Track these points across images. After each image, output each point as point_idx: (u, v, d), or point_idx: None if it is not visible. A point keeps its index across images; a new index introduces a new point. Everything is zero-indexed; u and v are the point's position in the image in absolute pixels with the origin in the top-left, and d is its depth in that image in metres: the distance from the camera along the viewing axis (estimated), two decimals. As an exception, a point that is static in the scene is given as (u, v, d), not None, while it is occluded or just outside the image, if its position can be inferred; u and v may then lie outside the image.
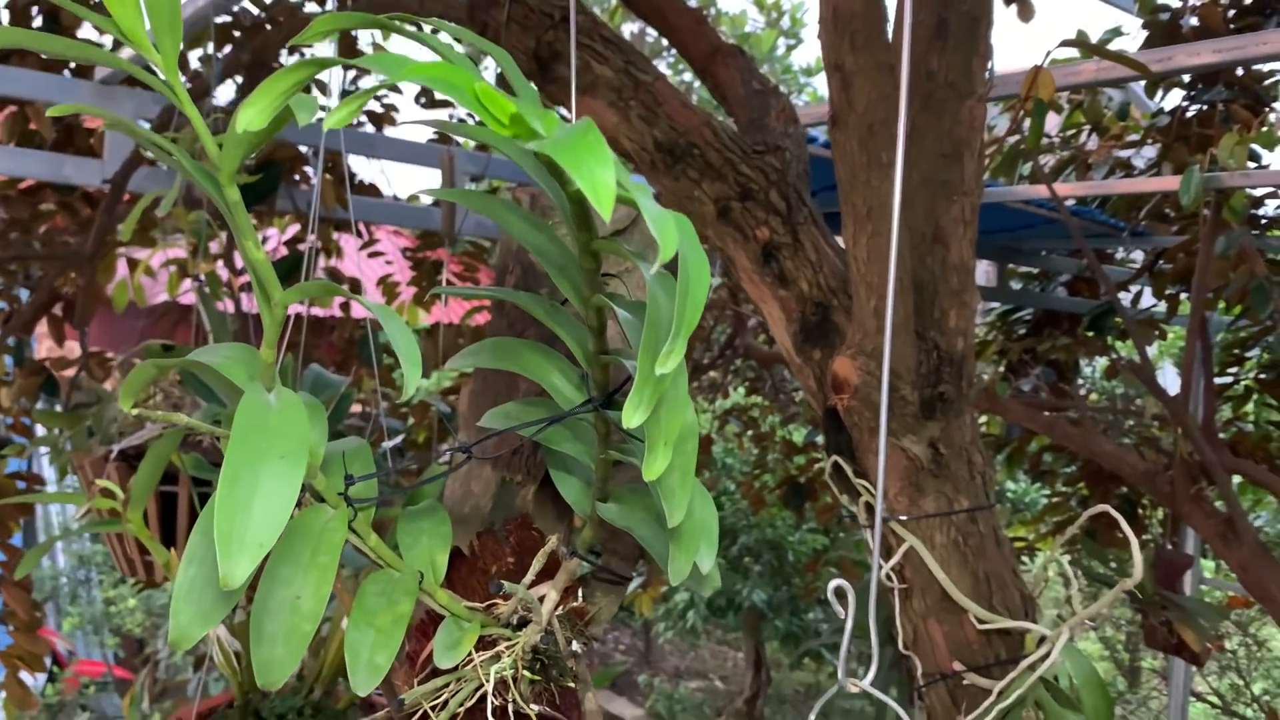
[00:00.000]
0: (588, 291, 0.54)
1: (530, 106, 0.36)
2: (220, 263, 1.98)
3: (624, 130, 1.28)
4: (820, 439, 3.74)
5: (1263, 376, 3.38)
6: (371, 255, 2.64)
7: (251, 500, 0.46)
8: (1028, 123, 1.72)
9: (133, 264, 2.35)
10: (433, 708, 0.71)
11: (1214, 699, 4.72)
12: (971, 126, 1.09)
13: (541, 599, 0.73)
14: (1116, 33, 3.17)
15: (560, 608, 0.75)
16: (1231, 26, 2.86)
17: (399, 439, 2.50)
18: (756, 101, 1.36)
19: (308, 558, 0.59)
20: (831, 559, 3.37)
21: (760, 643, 4.04)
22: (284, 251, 2.51)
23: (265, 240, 2.26)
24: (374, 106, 2.57)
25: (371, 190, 2.42)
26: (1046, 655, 1.10)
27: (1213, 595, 4.85)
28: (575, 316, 0.61)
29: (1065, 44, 1.25)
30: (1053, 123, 3.54)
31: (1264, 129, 2.86)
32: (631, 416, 0.44)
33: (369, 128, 2.51)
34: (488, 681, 0.70)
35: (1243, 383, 3.49)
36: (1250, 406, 3.54)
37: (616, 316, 0.54)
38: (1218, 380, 3.22)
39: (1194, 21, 3.00)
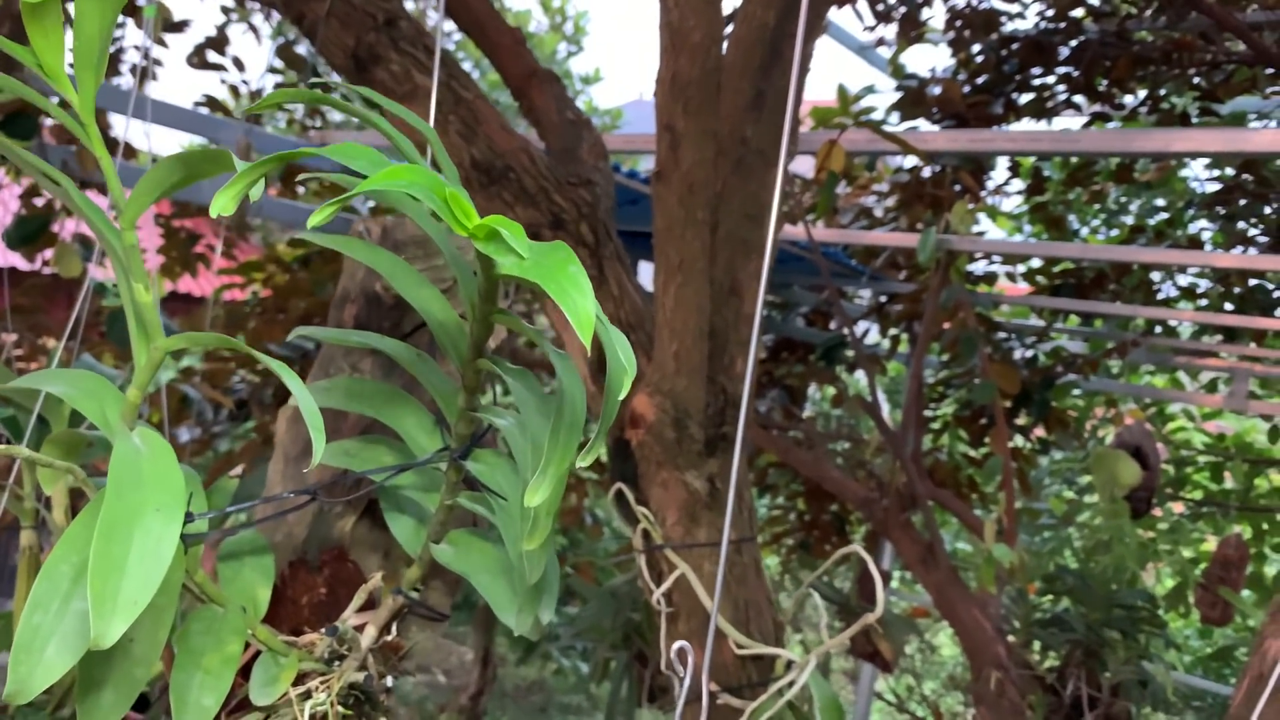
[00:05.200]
0: (472, 355, 0.55)
1: (501, 221, 0.38)
2: None
3: (441, 143, 1.28)
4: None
5: (959, 413, 3.78)
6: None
7: (126, 558, 0.45)
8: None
9: None
10: (241, 744, 0.69)
11: (890, 698, 5.23)
12: (774, 192, 1.17)
13: (360, 629, 0.73)
14: (870, 89, 3.46)
15: (375, 642, 0.75)
16: (965, 100, 3.19)
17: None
18: (569, 131, 1.40)
19: (142, 599, 0.56)
20: (571, 561, 3.46)
21: (491, 640, 4.06)
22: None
23: (-3, 190, 2.04)
24: (136, 59, 2.38)
25: (125, 151, 2.24)
26: (794, 681, 1.21)
27: (898, 605, 5.38)
28: (443, 364, 0.62)
29: (859, 125, 1.37)
30: (807, 165, 3.82)
31: (991, 201, 3.22)
32: (534, 497, 0.46)
33: (126, 80, 2.32)
34: (302, 716, 0.69)
35: (941, 417, 3.89)
36: (946, 439, 3.96)
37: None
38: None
39: (937, 91, 3.33)
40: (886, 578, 3.62)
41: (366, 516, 0.81)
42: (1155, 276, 3.72)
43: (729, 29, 1.19)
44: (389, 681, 0.75)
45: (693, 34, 0.97)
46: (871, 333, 3.88)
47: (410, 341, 0.77)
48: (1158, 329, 3.89)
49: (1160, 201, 4.23)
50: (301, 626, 0.78)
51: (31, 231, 1.71)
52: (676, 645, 0.58)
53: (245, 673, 0.71)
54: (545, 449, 0.46)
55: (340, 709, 0.72)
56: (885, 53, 3.71)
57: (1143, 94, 3.37)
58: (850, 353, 3.58)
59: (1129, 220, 4.53)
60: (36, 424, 0.94)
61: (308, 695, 0.71)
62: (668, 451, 1.19)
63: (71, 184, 0.45)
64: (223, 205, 0.37)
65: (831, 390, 4.34)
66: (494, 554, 0.68)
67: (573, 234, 1.27)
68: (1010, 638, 2.61)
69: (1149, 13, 3.11)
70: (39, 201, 2.14)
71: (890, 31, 3.43)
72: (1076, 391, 4.18)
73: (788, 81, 1.13)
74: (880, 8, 3.29)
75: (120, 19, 2.33)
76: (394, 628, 0.77)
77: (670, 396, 1.16)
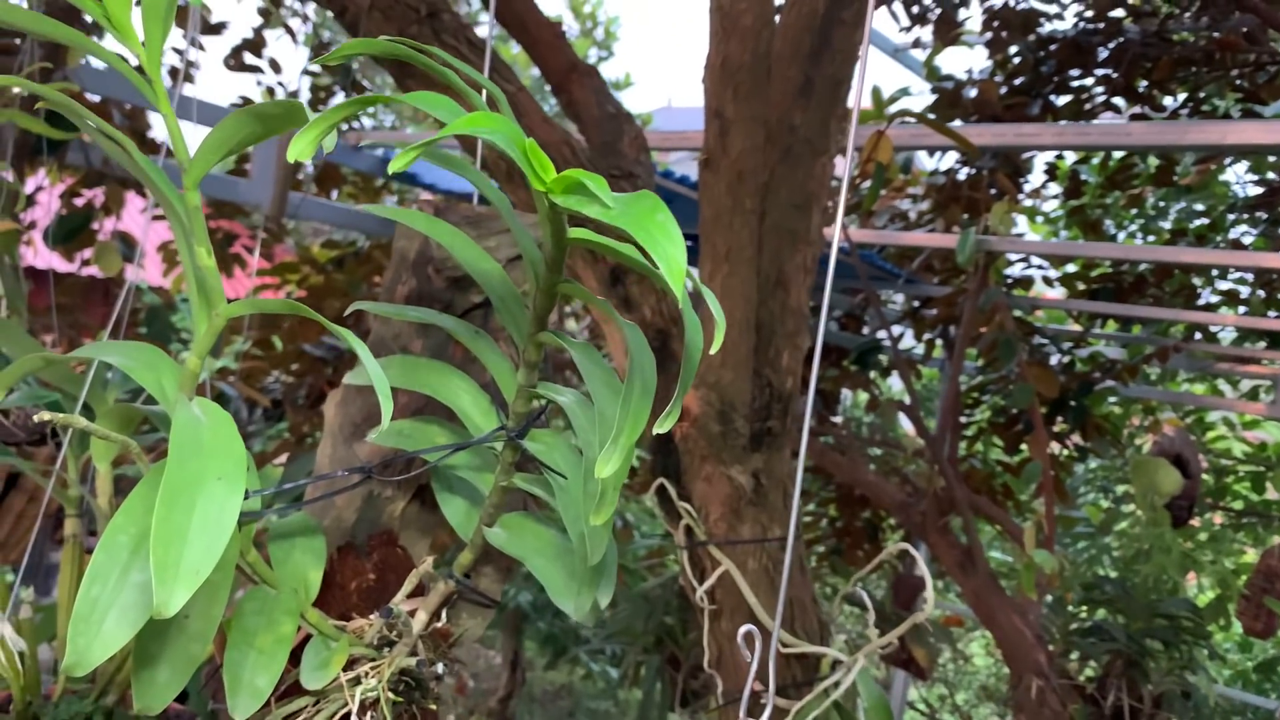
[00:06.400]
0: (534, 328, 0.54)
1: (582, 173, 0.37)
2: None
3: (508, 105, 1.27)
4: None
5: (994, 419, 3.73)
6: (157, 218, 2.45)
7: (188, 526, 0.44)
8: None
9: None
10: (291, 729, 0.68)
11: (923, 707, 5.17)
12: (822, 181, 1.16)
13: (412, 614, 0.72)
14: (905, 92, 3.43)
15: (426, 629, 0.74)
16: (1002, 102, 3.15)
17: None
18: (610, 125, 1.38)
19: (197, 575, 0.55)
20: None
21: (520, 644, 4.05)
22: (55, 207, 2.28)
23: (39, 191, 2.05)
24: (174, 62, 2.39)
25: (167, 151, 2.25)
26: (841, 680, 1.18)
27: (931, 613, 5.31)
28: (500, 344, 0.61)
29: (905, 115, 1.35)
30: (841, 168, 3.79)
31: (1028, 203, 3.19)
32: (604, 467, 0.45)
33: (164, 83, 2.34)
34: (353, 702, 0.68)
35: (976, 424, 3.85)
36: (980, 445, 3.91)
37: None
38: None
39: (973, 93, 3.29)
40: (922, 584, 3.57)
41: (416, 500, 0.80)
42: (1196, 281, 3.66)
43: (777, 18, 1.17)
44: (439, 668, 0.74)
45: (744, 17, 0.95)
46: (906, 337, 3.84)
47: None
48: (1198, 335, 3.83)
49: (1200, 206, 4.16)
50: (350, 612, 0.76)
51: (73, 229, 1.72)
52: (744, 628, 0.56)
53: (295, 659, 0.70)
54: (616, 418, 0.45)
55: (391, 695, 0.70)
56: (919, 55, 3.68)
57: (1183, 96, 3.31)
58: (884, 357, 3.54)
59: (1167, 225, 4.46)
60: (82, 411, 0.94)
61: (358, 681, 0.70)
62: (712, 445, 1.17)
63: (132, 144, 0.44)
64: (300, 150, 0.36)
65: (865, 396, 4.30)
66: (549, 537, 0.67)
67: (610, 231, 1.25)
68: (1049, 646, 2.56)
69: (1191, 12, 3.06)
70: (77, 203, 2.15)
71: (925, 33, 3.40)
72: (1113, 399, 4.12)
73: (836, 69, 1.11)
74: (915, 9, 3.27)
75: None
76: (444, 614, 0.76)
77: (715, 389, 1.14)
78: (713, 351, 0.38)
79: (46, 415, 0.47)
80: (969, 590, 2.52)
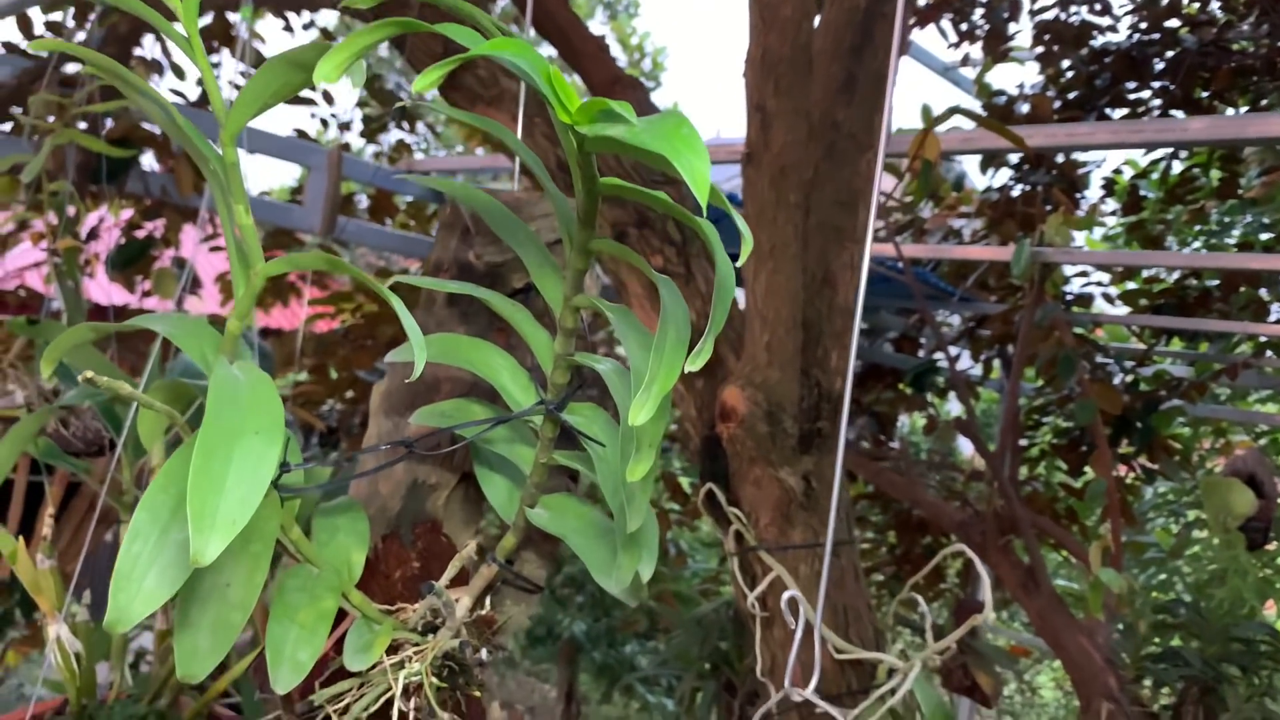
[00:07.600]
0: (570, 291, 0.54)
1: (611, 101, 0.36)
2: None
3: (527, 146, 1.29)
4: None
5: (1055, 441, 3.65)
6: (213, 250, 2.51)
7: (225, 477, 0.44)
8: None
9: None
10: (335, 711, 0.68)
11: (990, 741, 5.02)
12: (867, 179, 1.15)
13: (456, 600, 0.72)
14: (957, 109, 3.40)
15: (470, 615, 0.73)
16: (1056, 116, 3.12)
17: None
18: (655, 133, 1.39)
19: (239, 544, 0.55)
20: (653, 591, 3.41)
21: (574, 675, 4.03)
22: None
23: (101, 224, 2.11)
24: (231, 95, 2.45)
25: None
26: (897, 686, 1.15)
27: (996, 641, 5.17)
28: (538, 316, 0.61)
29: (956, 112, 1.33)
30: (890, 186, 3.76)
31: (1084, 214, 3.13)
32: (638, 414, 0.44)
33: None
34: (396, 685, 0.68)
35: (1037, 446, 3.76)
36: (1042, 468, 3.82)
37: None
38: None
39: (1026, 108, 3.26)
40: (982, 608, 3.48)
41: (460, 489, 0.80)
42: (1265, 295, 3.56)
43: (818, 19, 1.17)
44: (483, 654, 0.73)
45: (783, 8, 0.95)
46: (962, 358, 3.78)
47: (503, 306, 0.75)
48: (1269, 352, 3.71)
49: (1266, 219, 4.05)
50: (394, 600, 0.76)
51: (132, 255, 1.77)
52: (787, 594, 0.55)
53: (339, 648, 0.70)
54: (649, 366, 0.44)
55: (434, 679, 0.70)
56: (969, 73, 3.66)
57: (1245, 108, 3.25)
58: (941, 379, 3.49)
59: (1232, 240, 4.34)
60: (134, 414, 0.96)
61: (401, 665, 0.70)
62: (761, 447, 1.15)
63: (172, 106, 0.45)
64: (325, 73, 0.36)
65: (921, 420, 4.24)
66: (591, 517, 0.66)
67: (659, 231, 1.25)
68: (1119, 671, 2.47)
69: (1250, 20, 3.00)
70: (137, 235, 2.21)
71: (975, 50, 3.37)
72: (1182, 419, 4.00)
73: (880, 65, 1.10)
74: (964, 26, 3.25)
75: (215, 60, 2.41)
76: (488, 601, 0.75)
77: (763, 389, 1.13)
78: (738, 265, 0.37)
79: (90, 374, 0.48)
80: (1033, 611, 2.45)
